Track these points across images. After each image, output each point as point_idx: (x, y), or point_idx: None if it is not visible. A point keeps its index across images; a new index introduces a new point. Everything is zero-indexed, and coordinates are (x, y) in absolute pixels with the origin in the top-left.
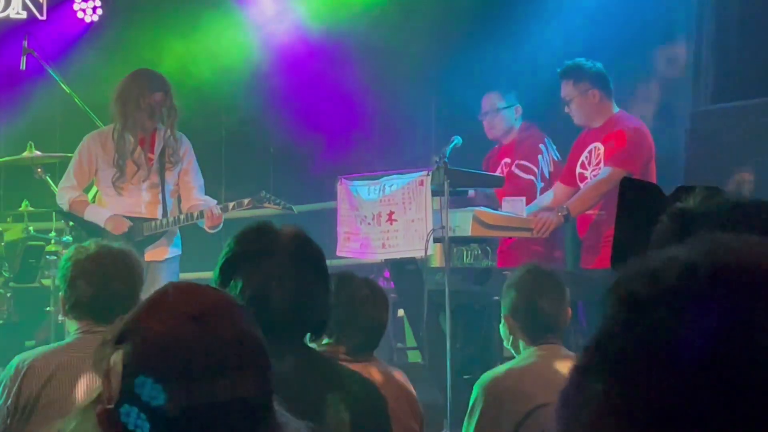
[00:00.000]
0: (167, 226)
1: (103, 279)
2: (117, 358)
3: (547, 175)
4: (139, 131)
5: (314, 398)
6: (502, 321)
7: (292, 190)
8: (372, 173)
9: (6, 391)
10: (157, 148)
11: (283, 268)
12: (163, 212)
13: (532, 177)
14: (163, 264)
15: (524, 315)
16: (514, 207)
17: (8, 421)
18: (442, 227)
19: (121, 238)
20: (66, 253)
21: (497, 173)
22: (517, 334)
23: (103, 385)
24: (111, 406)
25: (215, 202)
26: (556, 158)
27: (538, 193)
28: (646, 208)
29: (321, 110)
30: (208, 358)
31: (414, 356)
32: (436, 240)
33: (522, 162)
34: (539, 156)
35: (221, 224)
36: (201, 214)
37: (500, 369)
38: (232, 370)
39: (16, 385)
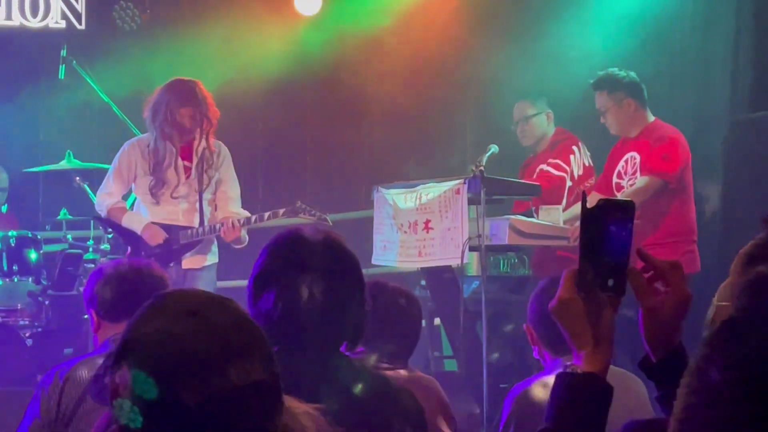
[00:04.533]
0: (203, 235)
1: (128, 279)
2: (124, 373)
3: (576, 176)
4: (172, 142)
5: (354, 407)
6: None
7: (329, 199)
8: (408, 182)
9: (47, 400)
10: (194, 159)
11: (315, 277)
12: (200, 221)
13: (563, 174)
14: (200, 272)
15: (545, 326)
16: (550, 215)
17: (48, 430)
18: (479, 236)
19: (157, 247)
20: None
21: (534, 181)
22: (540, 345)
23: (112, 404)
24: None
25: (248, 215)
26: (587, 163)
27: (566, 193)
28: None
29: (357, 119)
30: (213, 349)
31: (450, 365)
32: (472, 248)
33: (554, 160)
34: (571, 156)
35: (241, 239)
36: (220, 227)
37: (530, 380)
38: (238, 356)
39: (57, 394)
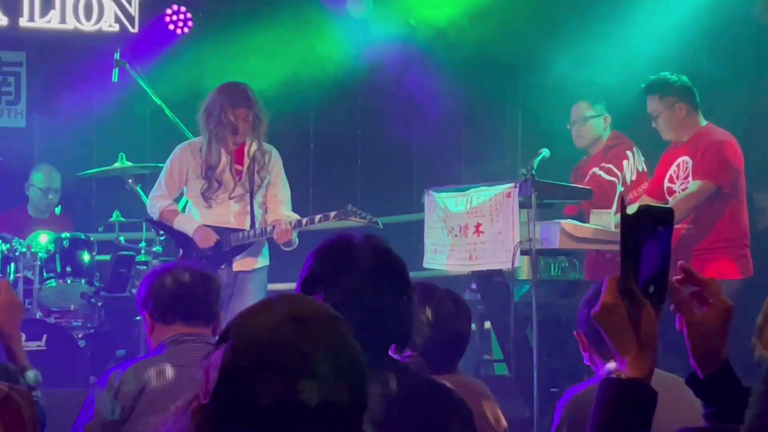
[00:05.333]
0: (254, 237)
1: (181, 281)
2: (218, 354)
3: (628, 181)
4: (225, 145)
5: (403, 411)
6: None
7: (380, 202)
8: (459, 185)
9: (102, 401)
10: (246, 161)
11: (362, 281)
12: (251, 223)
13: (614, 179)
14: (251, 274)
15: (595, 333)
16: (601, 219)
17: None
18: (530, 239)
19: (208, 249)
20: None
21: (585, 184)
22: (591, 351)
23: (201, 381)
24: (206, 402)
25: (298, 217)
26: (640, 169)
27: (617, 197)
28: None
29: (409, 122)
30: (305, 359)
31: (501, 369)
32: (523, 252)
33: (607, 164)
34: (624, 161)
35: (292, 241)
36: (271, 230)
37: (581, 386)
38: (325, 374)
39: (112, 396)
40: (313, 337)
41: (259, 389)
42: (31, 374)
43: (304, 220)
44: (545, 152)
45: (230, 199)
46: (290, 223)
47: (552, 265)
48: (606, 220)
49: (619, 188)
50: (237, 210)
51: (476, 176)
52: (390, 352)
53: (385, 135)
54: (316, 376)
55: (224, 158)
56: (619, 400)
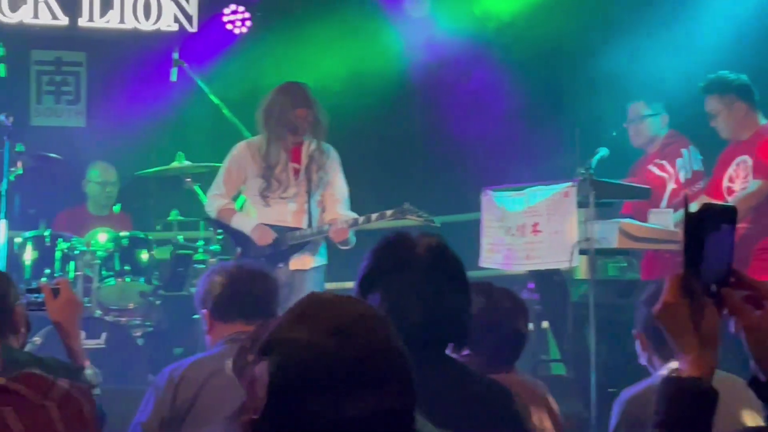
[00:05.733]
0: (311, 236)
1: (242, 280)
2: (263, 369)
3: (682, 180)
4: (284, 144)
5: (460, 410)
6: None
7: (437, 201)
8: (516, 184)
9: (161, 399)
10: (304, 160)
11: (420, 280)
12: (309, 222)
13: (665, 176)
14: (308, 273)
15: (655, 332)
16: (660, 219)
17: (162, 430)
18: (587, 239)
19: (266, 248)
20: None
21: (638, 180)
22: (650, 351)
23: (247, 395)
24: (256, 417)
25: (354, 216)
26: (696, 168)
27: (667, 195)
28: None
29: (466, 120)
30: (351, 372)
31: (558, 368)
32: (581, 252)
33: (660, 161)
34: (678, 159)
35: (348, 240)
36: (324, 229)
37: (639, 386)
38: (374, 383)
39: (171, 394)
40: (356, 347)
41: (310, 404)
42: (90, 372)
43: (361, 219)
44: (604, 151)
45: (288, 198)
46: (346, 222)
47: (610, 265)
48: (665, 220)
49: (671, 186)
50: (295, 209)
51: (534, 175)
52: (447, 351)
53: (442, 133)
54: (364, 385)
55: (283, 157)
56: (679, 399)
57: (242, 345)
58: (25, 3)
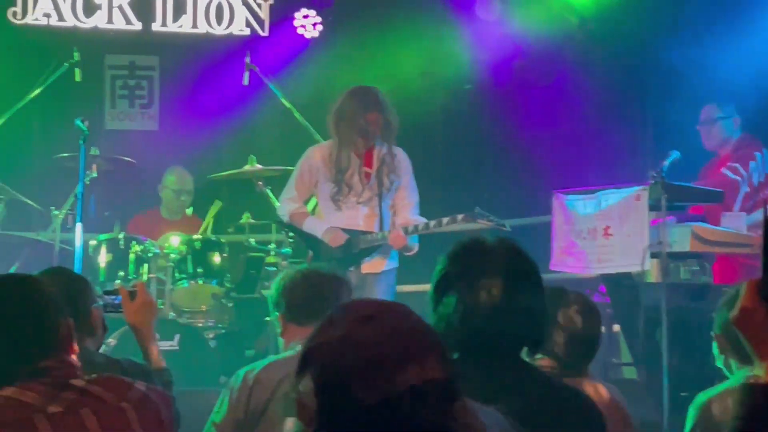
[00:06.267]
0: (383, 240)
1: (315, 283)
2: (307, 382)
3: (755, 183)
4: (355, 148)
5: (534, 414)
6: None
7: (507, 204)
8: (587, 187)
9: (236, 400)
10: (375, 164)
11: (495, 284)
12: (380, 226)
13: (738, 178)
14: (379, 276)
15: (735, 335)
16: (733, 222)
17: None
18: (659, 242)
19: (337, 251)
20: (277, 277)
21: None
22: (729, 354)
23: (299, 414)
24: (311, 429)
25: (425, 221)
26: None
27: (740, 198)
28: None
29: (536, 123)
30: (391, 351)
31: (629, 372)
32: (652, 255)
33: (733, 164)
34: (752, 162)
35: (409, 247)
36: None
37: (715, 390)
38: (415, 357)
39: (245, 395)
40: (390, 327)
41: (358, 396)
42: (165, 374)
43: (432, 223)
44: (675, 154)
45: (359, 202)
46: (406, 229)
47: (682, 268)
48: (738, 223)
49: (744, 189)
50: (366, 213)
51: (605, 178)
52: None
53: (513, 136)
54: (404, 361)
55: (354, 161)
56: (757, 406)
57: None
58: (100, 8)
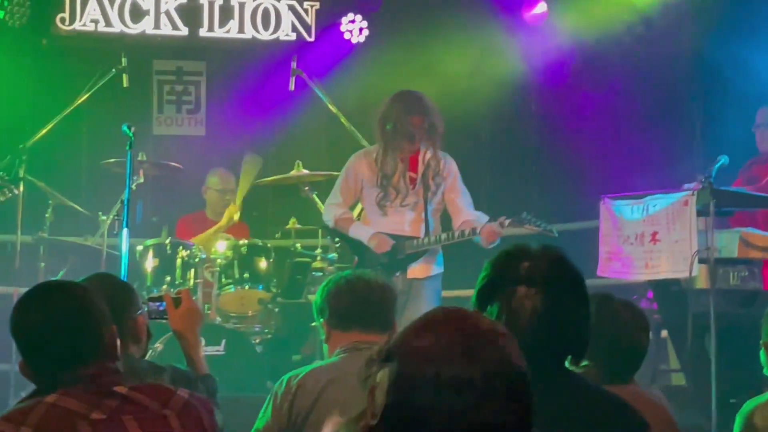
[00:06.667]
0: (429, 245)
1: (360, 289)
2: (383, 375)
3: None
4: (400, 152)
5: (578, 423)
6: (762, 348)
7: (554, 209)
8: (635, 192)
9: (279, 406)
10: (420, 169)
11: (538, 292)
12: (426, 231)
13: None
14: (424, 282)
15: None
16: None
17: None
18: (708, 248)
19: (383, 256)
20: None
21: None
22: None
23: (367, 401)
24: (374, 422)
25: (487, 218)
26: None
27: None
28: None
29: (584, 128)
30: (470, 384)
31: (677, 378)
32: (701, 261)
33: None
34: None
35: (498, 240)
36: (473, 232)
37: (762, 397)
38: (493, 398)
39: (289, 401)
40: (479, 361)
41: (428, 413)
42: (209, 381)
43: (478, 228)
44: (724, 159)
45: (405, 206)
46: (502, 223)
47: (731, 274)
48: None
49: None
50: (412, 218)
51: (652, 183)
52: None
53: (560, 141)
54: (483, 399)
55: (399, 166)
56: None
57: (370, 356)
58: (147, 14)
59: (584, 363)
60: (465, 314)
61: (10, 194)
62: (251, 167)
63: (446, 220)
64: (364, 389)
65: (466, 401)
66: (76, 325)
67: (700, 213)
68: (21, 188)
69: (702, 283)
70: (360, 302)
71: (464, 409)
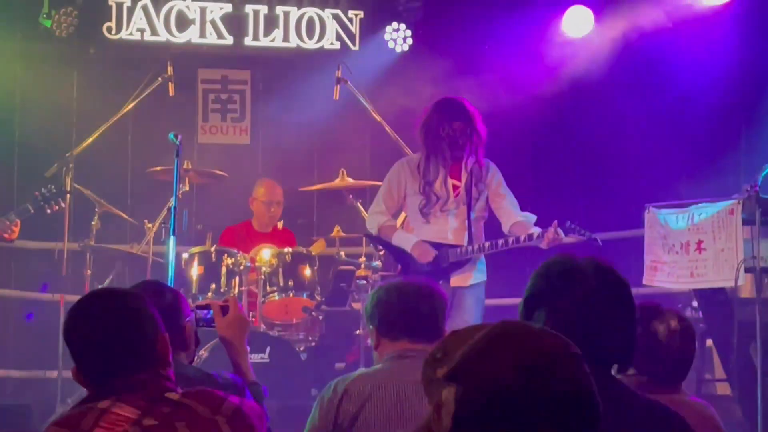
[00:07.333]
0: (472, 253)
1: (408, 298)
2: (449, 396)
3: None
4: (442, 159)
5: (619, 430)
6: None
7: (599, 218)
8: (681, 201)
9: (326, 411)
10: (463, 176)
11: (585, 302)
12: (469, 239)
13: None
14: (468, 290)
15: None
16: None
17: None
18: (754, 257)
19: (426, 265)
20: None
21: None
22: None
23: (432, 416)
24: None
25: (535, 217)
26: None
27: None
28: None
29: (628, 136)
30: (534, 410)
31: (722, 388)
32: (746, 270)
33: None
34: None
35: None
36: (529, 238)
37: None
38: (559, 424)
39: (335, 407)
40: (542, 386)
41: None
42: (257, 389)
43: (523, 236)
44: None
45: (448, 214)
46: (560, 230)
47: None
48: None
49: None
50: (455, 226)
51: (698, 192)
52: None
53: (604, 149)
54: (547, 425)
55: (441, 173)
56: None
57: (429, 357)
58: (193, 23)
59: (630, 372)
60: (531, 333)
61: (58, 207)
62: (316, 248)
63: (489, 228)
64: (428, 396)
65: (529, 427)
66: (130, 332)
67: (746, 222)
68: (68, 199)
69: (748, 292)
70: (409, 311)
71: None
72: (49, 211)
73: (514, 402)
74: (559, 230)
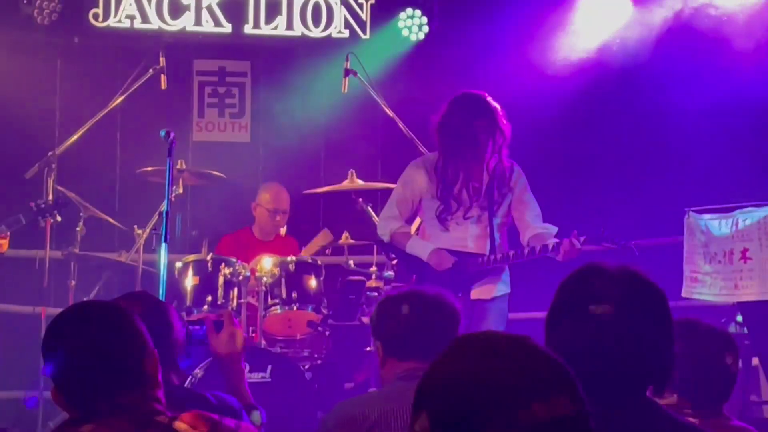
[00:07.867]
0: (495, 263)
1: (419, 312)
2: (422, 423)
3: None
4: (462, 160)
5: None
6: None
7: (636, 224)
8: (724, 205)
9: None
10: (485, 178)
11: (614, 314)
12: (491, 247)
13: None
14: (490, 303)
15: None
16: None
17: None
18: None
19: (444, 275)
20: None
21: None
22: None
23: None
24: None
25: (556, 229)
26: None
27: None
28: None
29: (667, 138)
30: (511, 387)
31: None
32: None
33: None
34: None
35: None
36: (545, 249)
37: None
38: (542, 392)
39: None
40: (510, 362)
41: (483, 429)
42: (255, 415)
43: (551, 245)
44: None
45: (468, 220)
46: (579, 240)
47: None
48: None
49: None
50: (476, 233)
51: (743, 196)
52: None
53: (642, 152)
54: (533, 398)
55: (461, 175)
56: None
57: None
58: (188, 10)
59: (671, 396)
60: (486, 334)
61: (53, 221)
62: (321, 240)
63: (514, 235)
64: None
65: (511, 405)
66: (116, 349)
67: None
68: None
69: None
70: (418, 328)
71: (513, 414)
72: (43, 224)
73: (485, 387)
74: (575, 241)
